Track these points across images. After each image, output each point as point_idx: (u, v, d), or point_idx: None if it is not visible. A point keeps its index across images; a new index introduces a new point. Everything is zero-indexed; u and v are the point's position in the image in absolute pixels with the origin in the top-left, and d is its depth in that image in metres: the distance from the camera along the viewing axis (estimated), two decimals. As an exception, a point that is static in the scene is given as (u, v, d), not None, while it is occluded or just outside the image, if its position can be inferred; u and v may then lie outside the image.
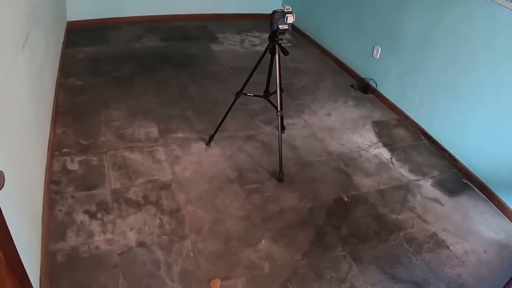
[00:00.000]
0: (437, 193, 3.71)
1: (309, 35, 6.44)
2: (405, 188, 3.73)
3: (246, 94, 3.57)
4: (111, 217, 3.02)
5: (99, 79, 4.73)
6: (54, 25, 4.73)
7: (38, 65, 3.44)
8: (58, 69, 4.64)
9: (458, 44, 3.93)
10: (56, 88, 4.27)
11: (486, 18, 3.62)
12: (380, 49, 4.98)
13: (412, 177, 3.87)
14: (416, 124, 4.56)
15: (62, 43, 5.23)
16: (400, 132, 4.52)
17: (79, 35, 5.63)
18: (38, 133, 3.17)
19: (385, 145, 4.26)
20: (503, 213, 3.61)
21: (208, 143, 3.87)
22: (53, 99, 4.04)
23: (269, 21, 3.19)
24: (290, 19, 3.16)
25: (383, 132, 4.47)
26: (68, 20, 5.82)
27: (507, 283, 1.25)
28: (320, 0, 6.09)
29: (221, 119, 3.76)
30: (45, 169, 3.20)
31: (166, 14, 6.43)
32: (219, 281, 2.68)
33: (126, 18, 6.17)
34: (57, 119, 3.93)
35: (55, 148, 3.59)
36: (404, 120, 4.69)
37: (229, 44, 6.08)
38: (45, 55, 3.82)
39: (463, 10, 3.83)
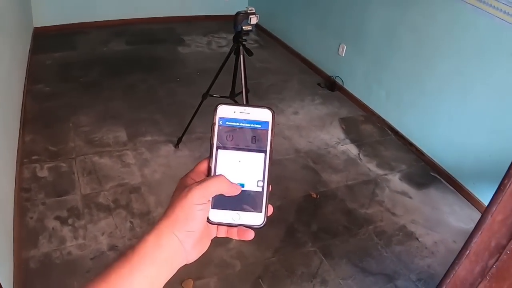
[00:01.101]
0: (405, 187, 3.80)
1: (276, 35, 6.46)
2: (373, 183, 3.81)
3: (212, 96, 3.60)
4: (82, 222, 3.04)
5: (67, 85, 4.71)
6: (20, 32, 4.71)
7: (4, 73, 3.43)
8: (25, 76, 4.61)
9: (422, 40, 4.03)
10: (23, 95, 4.25)
11: (448, 14, 3.72)
12: (345, 47, 5.06)
13: (380, 171, 3.95)
14: (383, 119, 4.64)
15: (29, 49, 5.20)
16: (367, 128, 4.60)
17: (46, 41, 5.59)
18: (6, 141, 3.17)
19: (353, 141, 4.34)
20: (471, 203, 3.71)
21: (176, 145, 3.90)
22: (21, 106, 4.02)
23: (233, 22, 3.24)
24: (254, 20, 3.19)
25: (350, 128, 4.55)
26: (34, 26, 5.77)
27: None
28: (287, 0, 6.15)
29: (189, 121, 3.78)
30: (14, 176, 3.20)
31: (133, 17, 6.40)
32: (192, 281, 2.72)
33: (93, 23, 6.13)
34: (26, 126, 3.92)
35: (24, 156, 3.59)
36: (371, 116, 4.77)
37: (196, 46, 6.10)
38: (11, 62, 3.81)
39: (426, 7, 3.93)
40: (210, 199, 0.65)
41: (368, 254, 3.11)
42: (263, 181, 0.66)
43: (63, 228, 2.98)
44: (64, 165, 3.55)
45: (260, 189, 0.66)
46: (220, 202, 0.65)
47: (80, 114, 4.21)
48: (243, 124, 0.67)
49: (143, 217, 3.15)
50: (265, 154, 0.67)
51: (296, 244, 3.12)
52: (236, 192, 0.65)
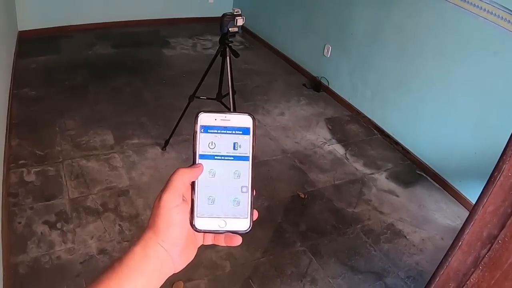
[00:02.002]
0: (392, 185, 3.84)
1: (261, 37, 6.49)
2: (360, 182, 3.84)
3: (199, 98, 3.60)
4: (71, 226, 3.03)
5: (53, 89, 4.68)
6: (5, 36, 4.68)
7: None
8: (11, 80, 4.58)
9: (406, 40, 4.08)
10: (9, 99, 4.23)
11: (432, 14, 3.78)
12: (330, 47, 5.09)
13: (367, 170, 3.98)
14: (369, 119, 4.68)
15: (14, 53, 5.17)
16: (353, 127, 4.63)
17: (31, 45, 5.55)
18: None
19: (339, 141, 4.37)
20: (457, 200, 3.75)
21: (164, 147, 3.89)
22: (6, 111, 4.00)
23: (219, 24, 3.24)
24: (240, 21, 3.19)
25: (336, 128, 4.57)
26: (19, 30, 5.74)
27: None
28: (271, 1, 6.17)
29: (175, 123, 3.78)
30: (1, 182, 3.18)
31: (118, 20, 6.39)
32: (182, 283, 2.73)
33: (78, 26, 6.10)
34: (12, 131, 3.90)
35: (11, 160, 3.57)
36: (357, 116, 4.80)
37: (182, 48, 6.09)
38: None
39: (410, 6, 3.98)
40: (194, 200, 0.66)
41: (357, 252, 3.13)
42: (247, 186, 0.67)
43: (52, 233, 2.97)
44: (51, 169, 3.54)
45: (244, 195, 0.67)
46: (206, 210, 0.66)
47: (67, 118, 4.19)
48: (225, 131, 0.68)
49: (132, 220, 3.15)
50: (248, 160, 0.68)
51: (285, 244, 3.14)
52: (199, 171, 0.66)
